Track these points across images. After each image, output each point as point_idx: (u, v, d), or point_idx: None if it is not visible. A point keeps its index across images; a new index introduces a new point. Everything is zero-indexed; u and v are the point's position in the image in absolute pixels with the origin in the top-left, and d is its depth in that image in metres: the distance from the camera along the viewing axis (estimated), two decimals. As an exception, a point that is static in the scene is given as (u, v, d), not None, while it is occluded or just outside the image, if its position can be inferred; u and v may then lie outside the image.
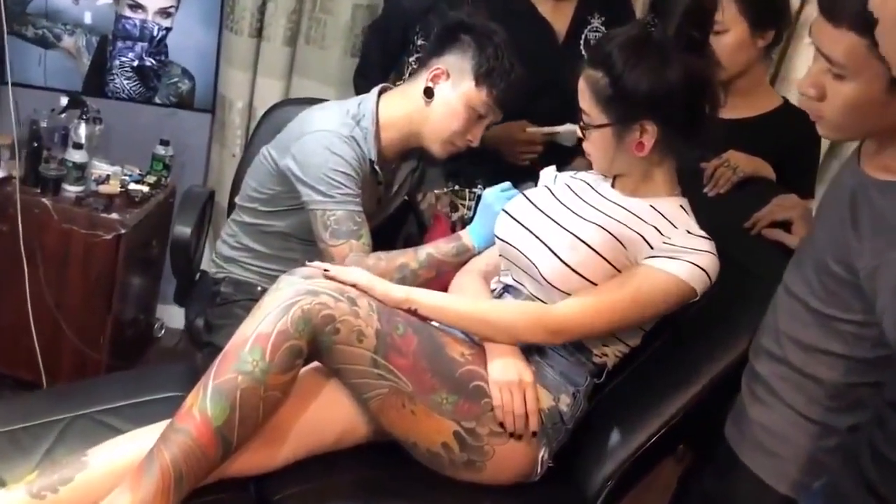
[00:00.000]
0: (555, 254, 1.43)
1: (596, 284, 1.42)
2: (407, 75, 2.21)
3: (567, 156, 2.00)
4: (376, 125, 1.82)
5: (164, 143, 2.58)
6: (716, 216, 1.71)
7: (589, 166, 1.60)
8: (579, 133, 1.52)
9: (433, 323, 1.45)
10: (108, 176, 2.46)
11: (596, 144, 1.49)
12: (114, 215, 2.32)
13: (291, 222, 1.89)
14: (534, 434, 1.40)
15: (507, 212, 1.56)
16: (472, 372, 1.40)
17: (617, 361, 1.54)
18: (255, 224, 1.95)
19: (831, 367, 1.30)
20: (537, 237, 1.48)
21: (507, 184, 1.73)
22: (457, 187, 1.83)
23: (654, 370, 1.59)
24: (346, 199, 1.73)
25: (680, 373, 1.55)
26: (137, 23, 2.62)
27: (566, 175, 1.67)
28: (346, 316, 1.32)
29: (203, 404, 1.23)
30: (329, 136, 1.76)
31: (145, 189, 2.46)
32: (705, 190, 1.81)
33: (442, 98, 1.78)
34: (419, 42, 2.19)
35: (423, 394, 1.35)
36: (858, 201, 1.23)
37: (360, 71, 2.38)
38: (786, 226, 1.66)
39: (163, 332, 2.88)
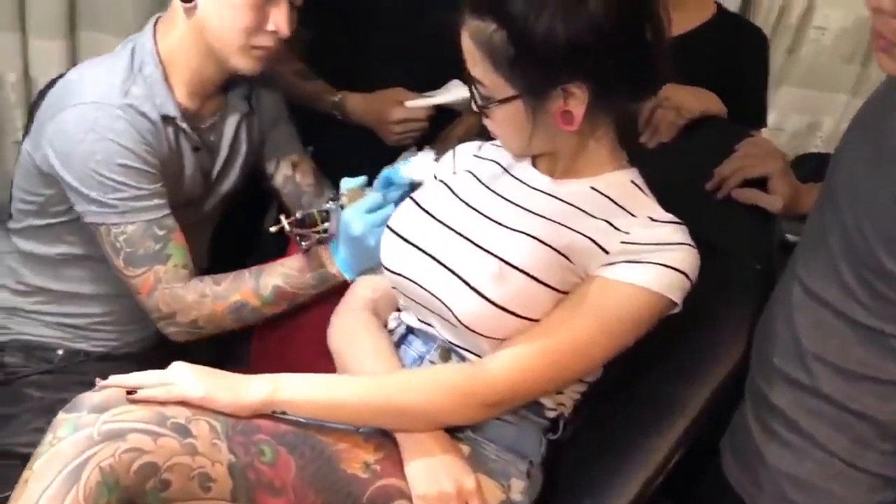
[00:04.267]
0: (474, 289, 0.98)
1: (537, 320, 0.99)
2: None
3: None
4: (161, 68, 1.28)
5: None
6: (663, 175, 1.30)
7: (483, 130, 1.13)
8: (476, 107, 1.05)
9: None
10: None
11: (503, 125, 1.04)
12: None
13: (82, 237, 1.32)
14: None
15: (393, 230, 1.09)
16: (387, 489, 0.95)
17: (575, 404, 1.12)
18: (35, 253, 1.38)
19: (887, 400, 0.94)
20: (444, 265, 1.02)
21: (373, 198, 1.21)
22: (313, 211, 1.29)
23: (623, 407, 1.18)
24: (136, 206, 1.22)
25: (658, 406, 1.15)
26: None
27: (466, 152, 1.20)
28: (177, 458, 0.84)
29: None
30: (91, 112, 1.21)
31: None
32: (643, 139, 1.39)
33: None
34: None
35: (317, 539, 0.89)
36: None
37: None
38: (760, 183, 1.27)
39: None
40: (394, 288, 1.11)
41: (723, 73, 1.50)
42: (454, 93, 1.47)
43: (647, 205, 1.07)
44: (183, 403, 0.88)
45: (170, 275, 1.23)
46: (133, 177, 1.22)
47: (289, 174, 1.49)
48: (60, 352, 1.40)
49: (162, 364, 0.99)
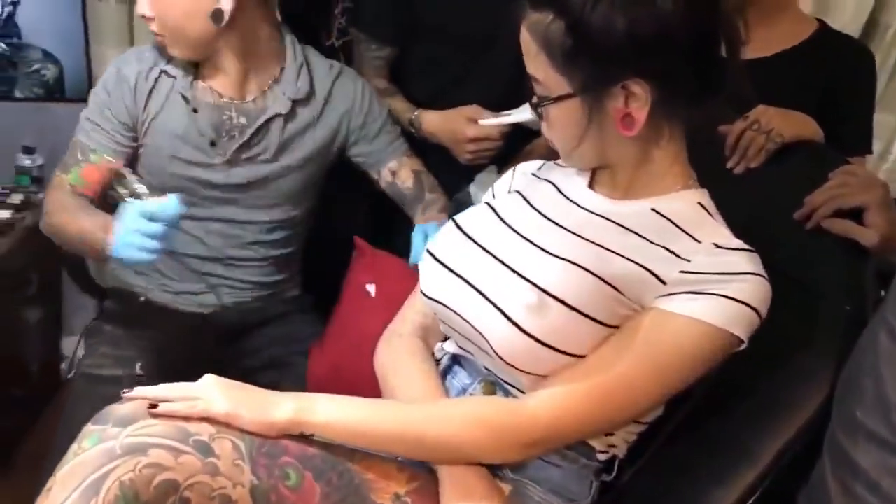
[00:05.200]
0: (510, 319, 0.92)
1: (582, 356, 0.93)
2: (336, 32, 1.83)
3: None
4: None
5: (29, 150, 2.04)
6: (748, 203, 1.22)
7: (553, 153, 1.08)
8: (531, 106, 1.00)
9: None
10: (-44, 203, 1.93)
11: (558, 126, 0.98)
12: (-39, 259, 1.80)
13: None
14: None
15: (432, 254, 1.04)
16: None
17: (631, 445, 1.05)
18: None
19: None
20: (481, 293, 0.97)
21: (158, 207, 1.21)
22: None
23: (687, 451, 1.10)
24: (82, 126, 1.46)
25: (726, 454, 1.06)
26: (-28, 0, 2.05)
27: (525, 171, 1.15)
28: (198, 476, 0.83)
29: None
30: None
31: (6, 214, 1.92)
32: (730, 164, 1.30)
33: None
34: None
35: (338, 571, 0.87)
36: None
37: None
38: (856, 214, 1.16)
39: (73, 372, 2.39)
40: (435, 314, 1.08)
41: (823, 94, 1.39)
42: (530, 111, 1.43)
43: (714, 230, 0.98)
44: (207, 420, 0.87)
45: (58, 181, 1.43)
46: (94, 105, 1.45)
47: (390, 180, 1.57)
48: (143, 299, 1.56)
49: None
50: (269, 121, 1.47)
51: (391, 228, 1.62)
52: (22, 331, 2.05)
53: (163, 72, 1.44)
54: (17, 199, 1.99)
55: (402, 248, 1.39)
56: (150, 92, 1.43)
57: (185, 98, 1.44)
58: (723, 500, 1.03)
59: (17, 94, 2.15)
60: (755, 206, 1.22)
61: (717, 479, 1.04)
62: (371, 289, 1.40)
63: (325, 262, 1.59)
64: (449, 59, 1.58)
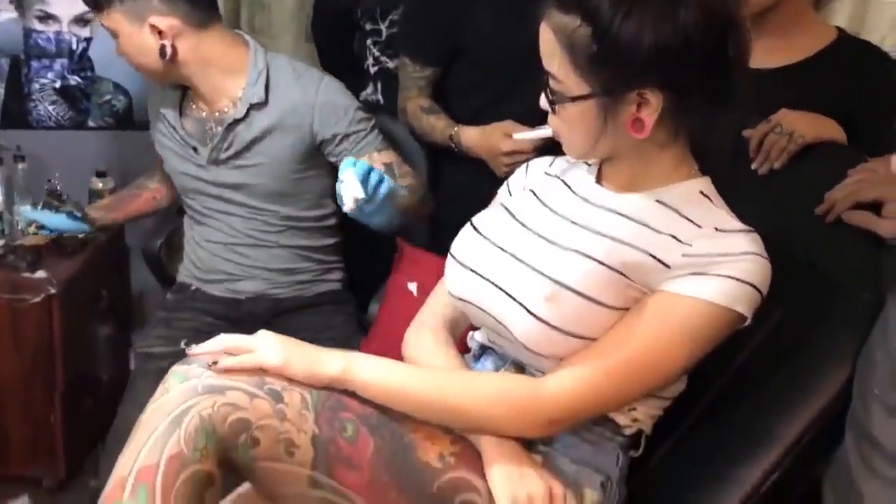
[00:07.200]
0: (529, 311, 0.99)
1: (596, 338, 1.00)
2: (371, 60, 1.98)
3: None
4: None
5: (101, 174, 2.19)
6: (772, 201, 1.29)
7: None
8: (545, 105, 1.05)
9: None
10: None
11: (571, 123, 1.03)
12: (40, 273, 1.94)
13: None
14: None
15: (454, 256, 1.12)
16: (457, 482, 0.99)
17: (658, 420, 1.11)
18: None
19: None
20: (501, 289, 1.04)
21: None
22: None
23: (711, 434, 1.16)
24: None
25: (750, 435, 1.12)
26: (51, 36, 2.24)
27: (538, 168, 1.21)
28: (267, 419, 0.93)
29: None
30: None
31: (80, 234, 2.07)
32: (754, 165, 1.36)
33: None
34: (368, 26, 1.94)
35: (386, 518, 0.95)
36: None
37: (324, 68, 2.08)
38: (875, 207, 1.21)
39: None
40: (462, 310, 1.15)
41: (845, 100, 1.44)
42: None
43: (715, 214, 1.03)
44: (262, 370, 0.97)
45: None
46: None
47: None
48: (193, 288, 1.81)
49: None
50: (231, 125, 1.65)
51: (436, 227, 1.70)
52: (93, 344, 2.19)
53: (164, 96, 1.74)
54: (90, 219, 2.14)
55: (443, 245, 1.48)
56: (157, 112, 1.76)
57: (164, 117, 1.72)
58: (746, 479, 1.08)
59: (91, 123, 2.32)
60: (779, 204, 1.28)
61: (741, 459, 1.10)
62: (413, 287, 1.49)
63: (372, 263, 1.69)
64: (486, 80, 1.68)
